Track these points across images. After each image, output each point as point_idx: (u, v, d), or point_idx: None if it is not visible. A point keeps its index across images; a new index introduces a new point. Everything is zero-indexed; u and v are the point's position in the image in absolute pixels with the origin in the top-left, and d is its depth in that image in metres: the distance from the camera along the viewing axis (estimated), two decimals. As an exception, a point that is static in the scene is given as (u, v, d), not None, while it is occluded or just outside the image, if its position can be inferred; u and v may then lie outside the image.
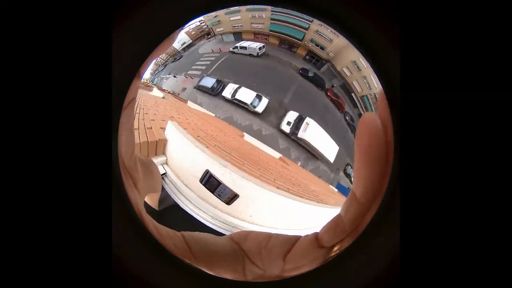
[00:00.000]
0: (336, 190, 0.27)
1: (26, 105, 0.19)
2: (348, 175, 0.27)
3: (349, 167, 0.27)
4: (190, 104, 0.27)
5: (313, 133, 0.26)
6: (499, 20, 0.19)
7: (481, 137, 0.19)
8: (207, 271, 0.23)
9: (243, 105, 0.26)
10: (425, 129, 0.19)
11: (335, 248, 0.24)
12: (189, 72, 0.27)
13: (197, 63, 0.27)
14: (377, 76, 0.21)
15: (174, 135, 0.26)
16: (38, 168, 0.19)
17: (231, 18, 0.26)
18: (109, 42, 0.20)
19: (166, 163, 0.27)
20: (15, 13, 0.19)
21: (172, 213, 0.27)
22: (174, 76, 0.27)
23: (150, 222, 0.24)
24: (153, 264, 0.23)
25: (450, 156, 0.19)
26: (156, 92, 0.27)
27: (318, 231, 0.24)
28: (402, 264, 0.19)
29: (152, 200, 0.28)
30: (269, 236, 0.25)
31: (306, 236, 0.25)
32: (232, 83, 0.26)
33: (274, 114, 0.26)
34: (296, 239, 0.25)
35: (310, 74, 0.26)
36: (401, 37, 0.20)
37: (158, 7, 0.21)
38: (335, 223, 0.24)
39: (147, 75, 0.27)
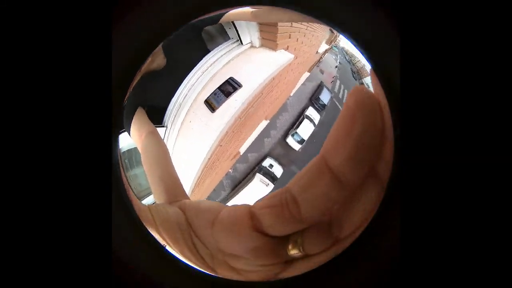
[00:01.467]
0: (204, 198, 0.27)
1: (25, 105, 0.19)
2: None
3: None
4: (305, 74, 0.28)
5: (254, 189, 0.26)
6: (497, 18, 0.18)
7: (481, 137, 0.18)
8: (171, 247, 0.23)
9: (297, 122, 0.27)
10: (425, 129, 0.18)
11: (292, 241, 0.21)
12: (338, 80, 0.28)
13: (346, 91, 0.28)
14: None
15: (278, 56, 0.27)
16: (38, 167, 0.19)
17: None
18: (109, 41, 0.20)
19: (246, 44, 0.27)
20: (14, 13, 0.19)
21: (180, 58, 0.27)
22: (336, 66, 0.28)
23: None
24: (153, 264, 0.23)
25: (450, 156, 0.18)
26: (322, 47, 0.28)
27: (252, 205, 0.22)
28: (402, 268, 0.19)
29: None
30: (198, 202, 0.24)
31: (234, 207, 0.23)
32: (320, 118, 0.27)
33: (282, 153, 0.27)
34: (219, 207, 0.23)
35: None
36: (401, 37, 0.19)
37: (157, 7, 0.22)
38: (280, 200, 0.20)
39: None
